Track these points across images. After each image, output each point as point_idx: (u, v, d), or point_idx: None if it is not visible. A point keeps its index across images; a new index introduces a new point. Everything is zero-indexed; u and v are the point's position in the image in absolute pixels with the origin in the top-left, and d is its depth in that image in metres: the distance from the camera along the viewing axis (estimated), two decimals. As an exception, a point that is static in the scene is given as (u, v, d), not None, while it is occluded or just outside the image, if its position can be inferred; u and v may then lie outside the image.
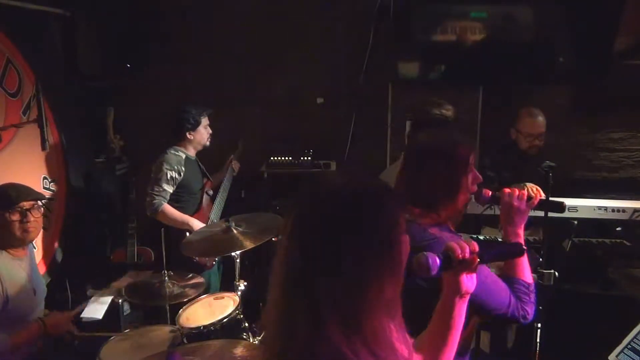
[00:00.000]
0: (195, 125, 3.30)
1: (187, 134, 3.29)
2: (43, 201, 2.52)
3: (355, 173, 1.07)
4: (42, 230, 3.24)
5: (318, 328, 0.90)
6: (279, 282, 0.97)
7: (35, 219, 2.38)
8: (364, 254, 0.92)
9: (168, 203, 3.22)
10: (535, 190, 1.71)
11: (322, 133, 4.09)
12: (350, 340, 0.90)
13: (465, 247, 1.15)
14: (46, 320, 2.34)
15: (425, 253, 1.11)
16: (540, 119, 3.38)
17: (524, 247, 1.28)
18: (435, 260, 1.11)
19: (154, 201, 3.16)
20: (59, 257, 3.43)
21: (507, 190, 1.69)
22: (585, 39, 3.49)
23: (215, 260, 3.42)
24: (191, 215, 3.32)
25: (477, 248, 1.17)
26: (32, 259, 2.53)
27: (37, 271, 2.57)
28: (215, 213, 3.47)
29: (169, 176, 3.19)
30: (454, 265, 1.15)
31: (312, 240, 0.94)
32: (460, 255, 1.14)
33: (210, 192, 3.53)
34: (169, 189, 3.21)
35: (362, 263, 0.92)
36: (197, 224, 3.23)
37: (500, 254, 1.38)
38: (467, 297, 1.22)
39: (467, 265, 1.17)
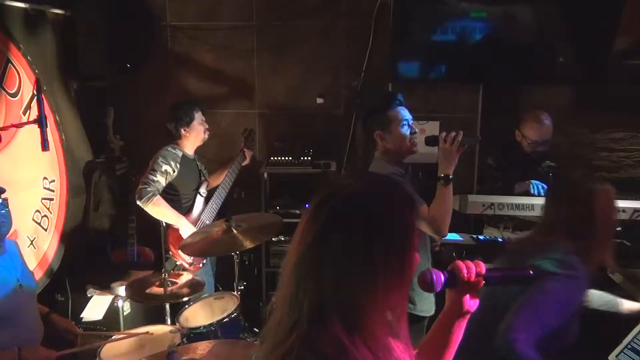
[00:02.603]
0: (189, 122, 3.29)
1: (182, 130, 3.28)
2: (4, 195, 2.35)
3: (373, 176, 1.08)
4: (42, 230, 3.26)
5: (321, 318, 0.92)
6: (290, 270, 0.98)
7: (1, 213, 2.28)
8: (373, 255, 0.94)
9: None
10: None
11: (322, 133, 4.09)
12: (351, 335, 0.91)
13: (472, 268, 1.16)
14: (24, 354, 2.18)
15: (430, 269, 1.12)
16: (547, 124, 3.32)
17: (532, 273, 1.24)
18: (440, 277, 1.12)
19: (148, 189, 3.07)
20: (59, 256, 3.42)
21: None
22: (585, 38, 3.49)
23: (203, 262, 3.39)
24: (183, 215, 3.27)
25: (483, 270, 1.17)
26: (14, 253, 2.46)
27: (23, 266, 2.51)
28: (207, 214, 3.41)
29: (163, 169, 3.16)
30: (458, 284, 1.15)
31: (325, 235, 0.95)
32: (465, 277, 1.15)
33: (204, 193, 3.45)
34: (162, 181, 3.16)
35: (370, 263, 0.93)
36: (184, 225, 3.19)
37: (506, 278, 1.33)
38: (467, 316, 1.22)
39: (471, 287, 1.17)
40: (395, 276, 0.96)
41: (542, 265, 1.78)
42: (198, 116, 3.33)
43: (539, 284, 1.73)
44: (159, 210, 3.09)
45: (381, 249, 0.94)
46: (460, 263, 1.16)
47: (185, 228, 3.19)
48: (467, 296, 1.18)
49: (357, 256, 0.93)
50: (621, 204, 2.66)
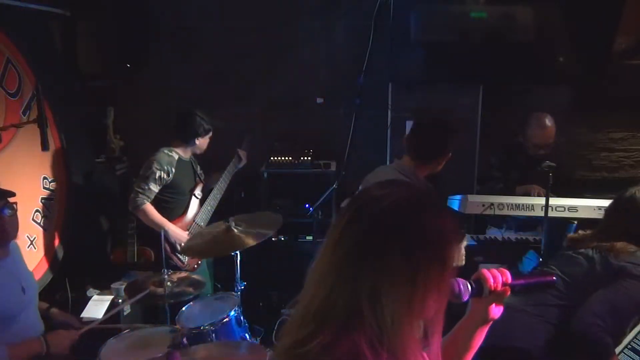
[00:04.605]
0: (205, 132, 3.35)
1: (196, 139, 3.33)
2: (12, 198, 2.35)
3: (408, 186, 1.07)
4: (42, 230, 3.25)
5: (350, 325, 0.90)
6: (322, 275, 0.96)
7: (10, 217, 2.28)
8: (415, 263, 0.92)
9: (156, 203, 3.23)
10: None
11: (322, 133, 4.09)
12: (379, 345, 0.90)
13: (498, 278, 1.15)
14: (49, 338, 2.26)
15: (456, 279, 1.11)
16: (550, 127, 3.32)
17: (554, 279, 1.26)
18: (467, 287, 1.12)
19: (137, 198, 3.18)
20: (59, 257, 3.42)
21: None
22: (585, 39, 3.49)
23: (198, 263, 3.42)
24: (177, 217, 3.32)
25: (509, 279, 1.17)
26: (17, 256, 2.47)
27: (26, 269, 2.51)
28: (202, 216, 3.45)
29: (157, 175, 3.20)
30: (484, 294, 1.15)
31: (365, 244, 0.94)
32: (492, 287, 1.15)
33: (199, 195, 3.48)
34: (155, 188, 3.21)
35: (412, 272, 0.92)
36: (173, 230, 3.24)
37: (530, 286, 1.33)
38: (491, 323, 1.22)
39: (497, 296, 1.17)
40: (435, 285, 0.95)
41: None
42: (211, 132, 3.41)
43: (623, 282, 2.01)
44: (146, 218, 3.20)
45: (423, 257, 0.93)
46: (486, 273, 1.15)
47: (173, 234, 3.23)
48: (493, 305, 1.18)
49: (398, 265, 0.92)
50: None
